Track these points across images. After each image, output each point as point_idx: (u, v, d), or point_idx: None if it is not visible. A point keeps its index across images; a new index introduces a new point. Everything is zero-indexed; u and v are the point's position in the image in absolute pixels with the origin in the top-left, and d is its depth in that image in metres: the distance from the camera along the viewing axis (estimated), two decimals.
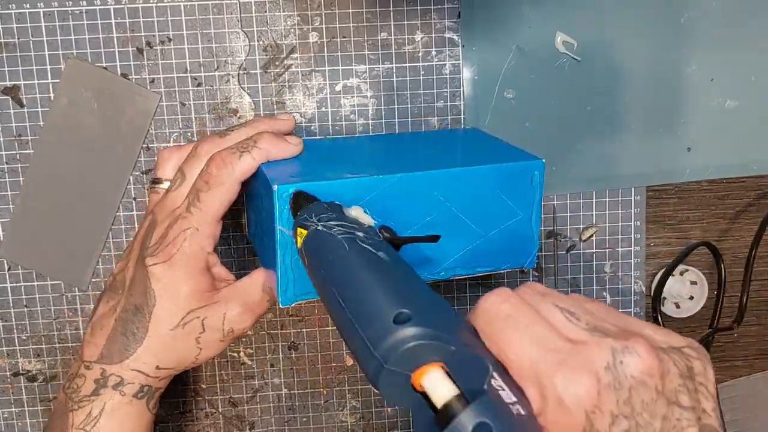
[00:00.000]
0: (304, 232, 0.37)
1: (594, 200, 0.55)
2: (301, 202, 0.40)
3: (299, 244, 0.38)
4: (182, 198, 0.45)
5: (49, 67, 0.52)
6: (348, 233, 0.36)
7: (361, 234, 0.36)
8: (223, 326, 0.45)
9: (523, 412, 0.28)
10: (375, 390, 0.51)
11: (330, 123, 0.54)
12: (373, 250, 0.34)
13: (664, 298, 0.57)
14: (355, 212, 0.41)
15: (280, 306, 0.43)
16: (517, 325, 0.30)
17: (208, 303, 0.44)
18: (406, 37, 0.53)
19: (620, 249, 0.56)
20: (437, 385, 0.28)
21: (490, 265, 0.47)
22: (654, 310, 0.55)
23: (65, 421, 0.44)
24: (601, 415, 0.27)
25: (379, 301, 0.31)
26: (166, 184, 0.47)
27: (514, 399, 0.28)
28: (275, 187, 0.40)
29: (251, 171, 0.44)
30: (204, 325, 0.44)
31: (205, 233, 0.44)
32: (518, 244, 0.47)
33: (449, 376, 0.29)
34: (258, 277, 0.46)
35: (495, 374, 0.29)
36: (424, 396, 0.29)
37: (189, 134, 0.53)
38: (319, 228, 0.37)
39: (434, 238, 0.40)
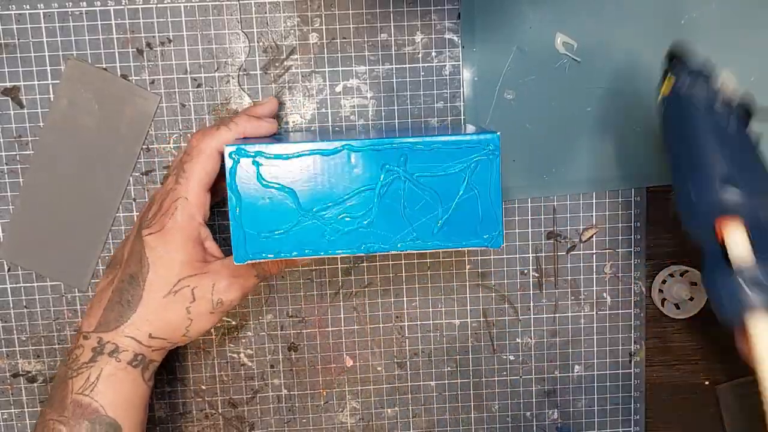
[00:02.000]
0: (671, 82, 0.44)
1: (594, 201, 0.55)
2: (680, 54, 0.45)
3: (665, 91, 0.45)
4: (173, 177, 0.47)
5: (49, 68, 0.52)
6: (705, 98, 0.41)
7: (717, 103, 0.41)
8: (212, 296, 0.47)
9: None
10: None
11: (330, 124, 0.54)
12: (721, 121, 0.41)
13: (664, 299, 0.57)
14: (725, 77, 0.44)
15: (234, 263, 0.44)
16: None
17: (199, 272, 0.46)
18: (406, 38, 0.53)
19: (620, 249, 0.56)
20: (736, 240, 0.38)
21: (453, 242, 0.47)
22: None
23: (65, 389, 0.46)
24: None
25: (712, 163, 0.40)
26: None
27: None
28: (227, 149, 0.43)
29: (228, 140, 0.46)
30: (194, 294, 0.46)
31: (194, 202, 0.46)
32: (483, 223, 0.47)
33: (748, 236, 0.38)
34: None
35: None
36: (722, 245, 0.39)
37: (189, 135, 0.53)
38: (681, 85, 0.43)
39: None
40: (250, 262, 0.45)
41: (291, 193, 0.45)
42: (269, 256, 0.44)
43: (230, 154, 0.43)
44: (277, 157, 0.44)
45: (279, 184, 0.44)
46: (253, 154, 0.43)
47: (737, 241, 0.39)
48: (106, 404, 0.45)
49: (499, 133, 0.45)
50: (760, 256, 0.38)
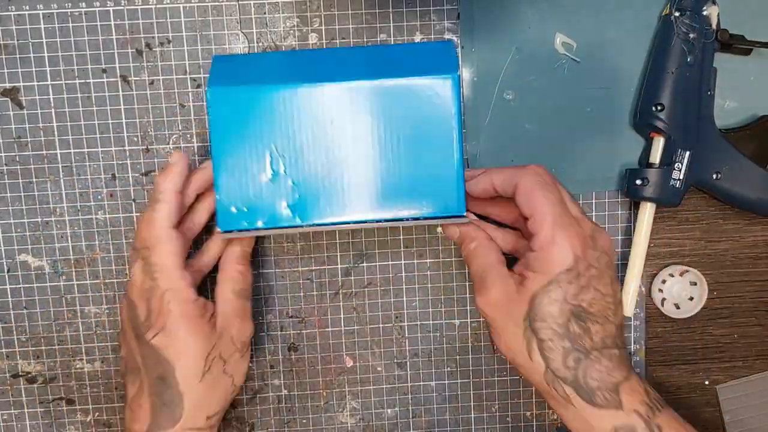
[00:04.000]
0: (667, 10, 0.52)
1: (594, 201, 0.55)
2: None
3: (665, 12, 0.52)
4: (140, 272, 0.47)
5: (48, 68, 0.52)
6: (686, 26, 0.50)
7: (692, 35, 0.50)
8: (235, 347, 0.48)
9: None
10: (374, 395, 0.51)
11: None
12: (684, 48, 0.50)
13: (664, 299, 0.56)
14: (710, 11, 0.50)
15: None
16: (552, 190, 0.45)
17: (216, 340, 0.47)
18: (406, 38, 0.53)
19: (620, 249, 0.56)
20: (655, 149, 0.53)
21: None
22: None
23: None
24: (583, 261, 0.44)
25: (658, 85, 0.51)
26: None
27: None
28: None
29: (171, 212, 0.46)
30: (223, 358, 0.47)
31: (179, 287, 0.46)
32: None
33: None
34: (225, 289, 0.49)
35: None
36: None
37: (188, 136, 0.53)
38: (669, 13, 0.51)
39: None
40: (228, 291, 0.48)
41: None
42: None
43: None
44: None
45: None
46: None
47: (655, 150, 0.52)
48: None
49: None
50: (665, 165, 0.52)
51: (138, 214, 0.53)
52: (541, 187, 0.45)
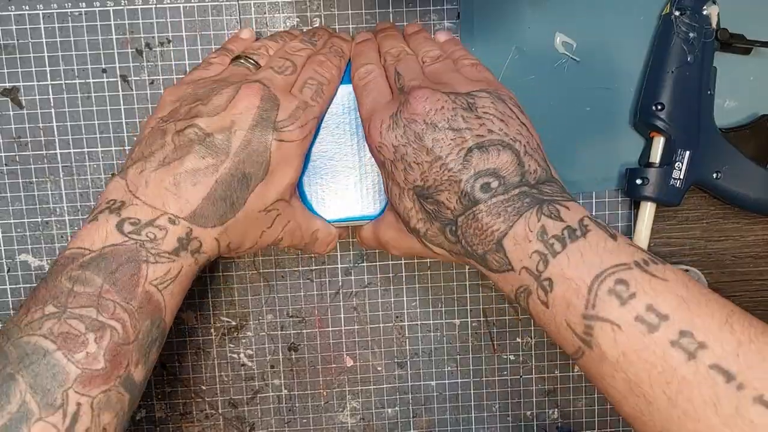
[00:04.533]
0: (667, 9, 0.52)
1: (594, 201, 0.55)
2: None
3: (665, 11, 0.52)
4: (289, 81, 0.44)
5: (48, 69, 0.52)
6: (686, 26, 0.50)
7: (692, 34, 0.50)
8: (281, 231, 0.44)
9: None
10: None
11: None
12: (684, 47, 0.50)
13: None
14: (711, 11, 0.51)
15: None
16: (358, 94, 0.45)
17: (288, 201, 0.44)
18: None
19: None
20: (655, 149, 0.53)
21: None
22: None
23: (137, 270, 0.38)
24: (386, 147, 0.41)
25: (658, 85, 0.51)
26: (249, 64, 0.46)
27: None
28: None
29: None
30: (274, 221, 0.43)
31: (312, 129, 0.44)
32: None
33: None
34: (316, 221, 0.47)
35: None
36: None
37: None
38: (669, 13, 0.51)
39: None
40: (317, 225, 0.47)
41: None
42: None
43: None
44: None
45: None
46: None
47: (655, 149, 0.52)
48: (170, 307, 0.39)
49: None
50: (666, 165, 0.52)
51: None
52: (358, 85, 0.45)
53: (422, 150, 0.39)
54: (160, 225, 0.39)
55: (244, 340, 0.56)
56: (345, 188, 0.47)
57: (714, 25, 0.51)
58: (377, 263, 0.55)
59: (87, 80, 0.52)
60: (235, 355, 0.56)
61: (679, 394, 0.32)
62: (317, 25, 0.52)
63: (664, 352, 0.33)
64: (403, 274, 0.55)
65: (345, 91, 0.47)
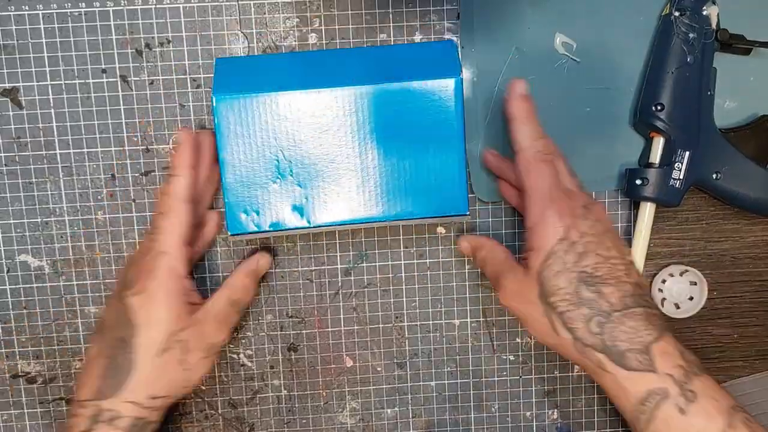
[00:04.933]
0: (667, 10, 0.52)
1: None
2: None
3: (665, 11, 0.52)
4: (146, 235, 0.48)
5: (48, 69, 0.52)
6: (686, 27, 0.50)
7: (692, 35, 0.50)
8: (202, 345, 0.48)
9: None
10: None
11: None
12: (684, 48, 0.50)
13: (664, 299, 0.56)
14: (710, 11, 0.50)
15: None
16: (547, 164, 0.47)
17: (186, 325, 0.47)
18: (405, 38, 0.53)
19: None
20: (655, 149, 0.53)
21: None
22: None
23: None
24: (575, 230, 0.44)
25: (657, 85, 0.51)
26: None
27: None
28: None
29: (186, 187, 0.47)
30: (188, 347, 0.47)
31: (175, 256, 0.47)
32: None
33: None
34: (223, 293, 0.50)
35: None
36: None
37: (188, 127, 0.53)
38: (669, 13, 0.51)
39: None
40: (225, 297, 0.49)
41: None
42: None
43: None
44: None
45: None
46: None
47: (655, 150, 0.52)
48: None
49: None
50: (665, 165, 0.52)
51: (138, 214, 0.53)
52: (537, 160, 0.46)
53: (603, 246, 0.44)
54: (76, 413, 0.45)
55: (243, 341, 0.56)
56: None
57: (714, 25, 0.51)
58: (377, 263, 0.55)
59: (87, 80, 0.52)
60: (235, 356, 0.56)
61: None
62: (317, 25, 0.52)
63: None
64: (403, 274, 0.55)
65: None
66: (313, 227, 0.48)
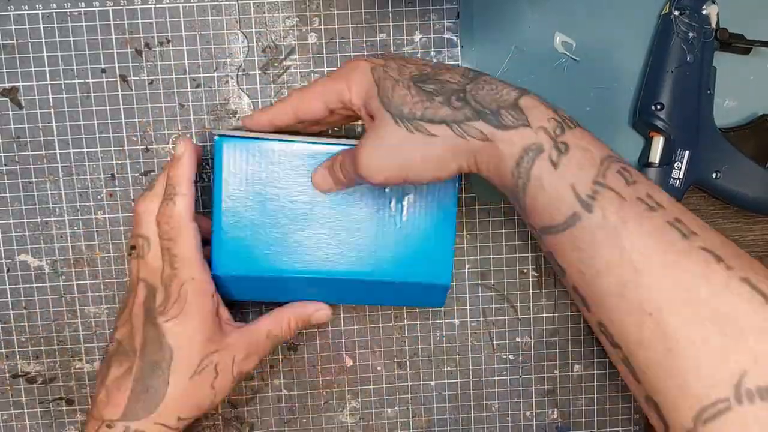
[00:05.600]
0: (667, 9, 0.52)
1: None
2: None
3: (665, 10, 0.52)
4: (159, 257, 0.46)
5: (47, 68, 0.52)
6: (686, 26, 0.50)
7: (691, 34, 0.50)
8: (232, 369, 0.47)
9: None
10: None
11: None
12: (684, 47, 0.50)
13: None
14: (710, 10, 0.50)
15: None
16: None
17: (219, 348, 0.47)
18: (405, 37, 0.53)
19: None
20: (654, 149, 0.53)
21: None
22: None
23: None
24: (373, 61, 0.43)
25: (657, 84, 0.51)
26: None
27: None
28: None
29: (191, 205, 0.46)
30: (217, 370, 0.46)
31: (201, 279, 0.46)
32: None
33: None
34: (263, 324, 0.49)
35: None
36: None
37: (188, 136, 0.53)
38: (669, 12, 0.51)
39: None
40: (266, 330, 0.49)
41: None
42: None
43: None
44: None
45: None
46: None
47: (654, 149, 0.52)
48: None
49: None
50: (665, 164, 0.52)
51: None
52: (372, 95, 0.42)
53: (410, 61, 0.43)
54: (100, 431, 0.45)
55: None
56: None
57: (713, 24, 0.51)
58: None
59: (86, 80, 0.52)
60: None
61: (675, 264, 0.35)
62: (316, 24, 0.52)
63: (662, 228, 0.36)
64: None
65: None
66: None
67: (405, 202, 0.47)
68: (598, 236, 0.37)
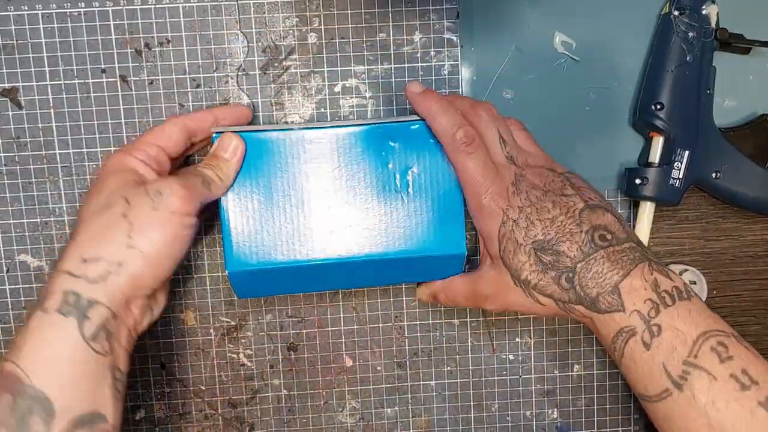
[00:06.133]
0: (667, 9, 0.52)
1: None
2: None
3: (665, 10, 0.52)
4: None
5: (47, 69, 0.52)
6: (685, 25, 0.50)
7: (691, 34, 0.50)
8: (149, 194, 0.42)
9: None
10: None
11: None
12: (684, 47, 0.50)
13: None
14: (710, 10, 0.51)
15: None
16: (474, 147, 0.46)
17: (130, 187, 0.43)
18: (405, 37, 0.53)
19: None
20: (654, 148, 0.53)
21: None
22: None
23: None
24: (512, 209, 0.45)
25: (657, 84, 0.52)
26: None
27: None
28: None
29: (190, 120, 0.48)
30: (129, 201, 0.42)
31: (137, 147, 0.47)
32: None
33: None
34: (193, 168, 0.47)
35: None
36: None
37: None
38: (669, 12, 0.51)
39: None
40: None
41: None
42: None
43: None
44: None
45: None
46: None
47: (654, 149, 0.52)
48: (31, 371, 0.37)
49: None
50: (665, 164, 0.52)
51: None
52: (459, 151, 0.46)
53: (544, 210, 0.45)
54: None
55: (243, 340, 0.56)
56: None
57: (713, 24, 0.51)
58: None
59: (86, 80, 0.52)
60: (235, 355, 0.56)
61: None
62: (316, 24, 0.52)
63: (752, 408, 0.39)
64: None
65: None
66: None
67: (409, 176, 0.47)
68: (688, 413, 0.40)
